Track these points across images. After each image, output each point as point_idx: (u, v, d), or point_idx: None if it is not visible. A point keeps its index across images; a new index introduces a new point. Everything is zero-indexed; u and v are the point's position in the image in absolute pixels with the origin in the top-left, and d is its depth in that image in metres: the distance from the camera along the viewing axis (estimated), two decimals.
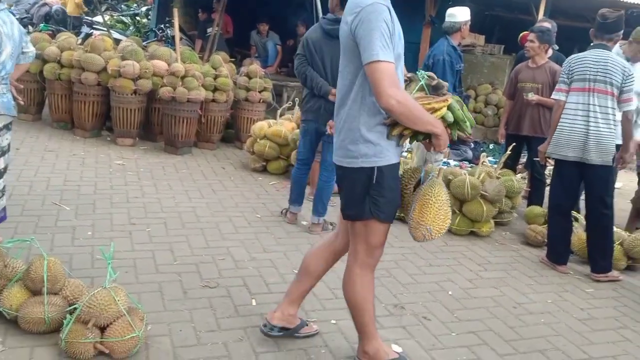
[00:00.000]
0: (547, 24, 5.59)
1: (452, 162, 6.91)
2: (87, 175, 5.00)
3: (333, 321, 3.03)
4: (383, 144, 2.34)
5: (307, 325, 2.87)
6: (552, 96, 4.26)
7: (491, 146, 7.68)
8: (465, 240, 4.56)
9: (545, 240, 4.50)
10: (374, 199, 2.37)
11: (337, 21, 4.12)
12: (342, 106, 2.42)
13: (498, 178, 4.90)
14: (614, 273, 4.02)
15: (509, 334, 3.13)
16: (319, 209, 4.37)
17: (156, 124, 6.44)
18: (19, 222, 3.77)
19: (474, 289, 3.67)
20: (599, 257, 4.03)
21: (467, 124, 2.49)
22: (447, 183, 4.72)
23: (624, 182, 6.98)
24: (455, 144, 7.79)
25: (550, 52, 5.46)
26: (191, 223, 4.21)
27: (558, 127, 4.02)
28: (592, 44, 4.04)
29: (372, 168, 2.34)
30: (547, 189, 6.28)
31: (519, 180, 5.09)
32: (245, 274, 3.47)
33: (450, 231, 4.64)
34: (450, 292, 3.58)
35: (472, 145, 7.64)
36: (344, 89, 2.41)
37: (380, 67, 2.18)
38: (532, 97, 5.09)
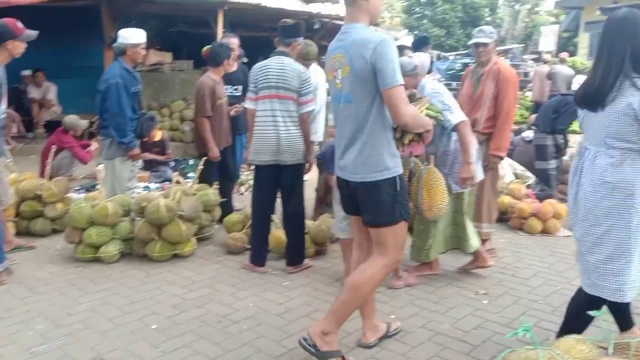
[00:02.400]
0: (230, 39, 5.82)
1: (152, 186, 6.73)
2: None
3: None
4: (398, 155, 2.81)
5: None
6: (244, 105, 4.45)
7: (191, 162, 7.71)
8: (169, 265, 4.44)
9: (246, 246, 4.67)
10: (401, 203, 2.82)
11: None
12: (359, 131, 2.75)
13: (194, 194, 4.90)
14: (305, 261, 4.38)
15: (215, 352, 3.11)
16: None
17: None
18: None
19: (179, 315, 3.57)
20: (295, 252, 4.33)
21: (440, 114, 3.31)
22: (141, 210, 4.53)
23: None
24: (154, 166, 7.49)
25: (235, 65, 5.72)
26: None
27: (254, 134, 4.19)
28: (274, 52, 4.28)
29: (394, 177, 2.77)
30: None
31: (215, 193, 5.17)
32: None
33: (151, 259, 4.47)
34: (154, 326, 3.42)
35: (173, 164, 7.58)
36: (360, 115, 2.73)
37: (399, 90, 2.64)
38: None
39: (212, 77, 5.22)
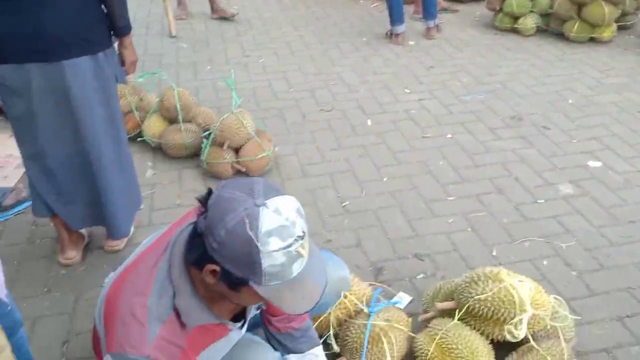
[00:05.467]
0: None
1: None
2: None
3: (449, 135, 3.09)
4: None
5: None
6: None
7: None
8: (585, 47, 4.26)
9: None
10: None
11: None
12: None
13: None
14: None
15: (633, 138, 3.04)
16: (432, 11, 4.41)
17: None
18: (144, 61, 4.03)
19: (596, 96, 3.52)
20: None
21: None
22: None
23: None
24: None
25: None
26: (300, 51, 4.27)
27: None
28: None
29: None
30: None
31: None
32: (358, 97, 3.56)
33: (567, 39, 4.34)
34: (570, 101, 3.47)
35: None
36: None
37: None
38: None
39: None
